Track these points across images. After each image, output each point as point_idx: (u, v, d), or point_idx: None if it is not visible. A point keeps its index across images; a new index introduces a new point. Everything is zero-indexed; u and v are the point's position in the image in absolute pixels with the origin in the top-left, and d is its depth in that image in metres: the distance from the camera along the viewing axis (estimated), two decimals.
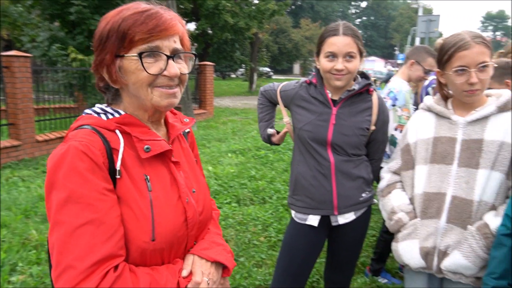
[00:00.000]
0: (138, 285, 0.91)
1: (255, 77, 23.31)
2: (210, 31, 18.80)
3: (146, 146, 1.01)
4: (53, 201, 0.90)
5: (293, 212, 2.06)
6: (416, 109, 3.09)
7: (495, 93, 1.69)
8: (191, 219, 1.08)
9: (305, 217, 1.99)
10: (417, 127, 1.80)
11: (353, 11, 68.90)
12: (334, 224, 1.97)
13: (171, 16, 1.00)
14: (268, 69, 34.78)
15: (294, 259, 2.03)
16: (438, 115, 1.74)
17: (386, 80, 16.32)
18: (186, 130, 1.24)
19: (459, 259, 1.58)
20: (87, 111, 1.06)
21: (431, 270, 1.68)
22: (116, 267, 0.90)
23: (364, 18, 67.72)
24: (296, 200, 2.02)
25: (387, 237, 3.08)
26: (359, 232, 2.04)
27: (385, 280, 3.15)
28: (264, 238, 3.78)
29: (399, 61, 30.15)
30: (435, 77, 3.04)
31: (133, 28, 0.95)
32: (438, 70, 1.70)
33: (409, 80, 3.02)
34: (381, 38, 64.46)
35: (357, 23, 67.18)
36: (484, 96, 1.69)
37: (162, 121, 1.14)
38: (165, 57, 0.99)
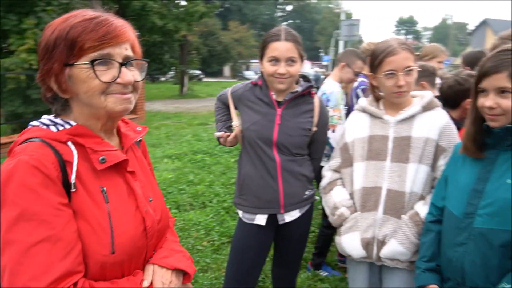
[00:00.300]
0: None
1: (186, 80, 22.99)
2: (137, 33, 18.14)
3: (101, 157, 0.98)
4: (2, 220, 0.84)
5: (240, 213, 2.10)
6: (348, 109, 3.31)
7: (420, 94, 1.87)
8: (150, 228, 1.07)
9: (252, 216, 2.03)
10: (353, 127, 1.94)
11: (280, 14, 70.87)
12: (281, 222, 2.04)
13: (121, 23, 0.99)
14: (198, 72, 34.52)
15: (245, 260, 2.06)
16: (372, 115, 1.88)
17: (314, 81, 16.99)
18: (138, 139, 1.22)
19: (396, 246, 1.73)
20: (34, 123, 1.00)
21: (371, 259, 1.81)
22: (75, 284, 0.87)
23: (290, 21, 69.92)
24: (244, 200, 2.06)
25: (327, 231, 3.24)
26: (303, 229, 2.13)
27: (326, 273, 3.31)
28: (207, 243, 3.77)
29: (324, 63, 31.63)
30: (364, 79, 3.30)
31: (82, 35, 0.92)
32: (371, 74, 1.84)
33: (341, 82, 3.21)
34: (307, 41, 67.08)
35: (284, 26, 69.11)
36: (410, 97, 1.85)
37: (115, 130, 1.12)
38: (117, 65, 0.97)
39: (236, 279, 2.08)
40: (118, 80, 0.97)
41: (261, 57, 2.00)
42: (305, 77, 2.12)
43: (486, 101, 1.37)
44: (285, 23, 69.83)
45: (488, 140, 1.43)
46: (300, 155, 2.03)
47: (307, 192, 2.06)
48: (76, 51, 0.93)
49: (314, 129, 2.05)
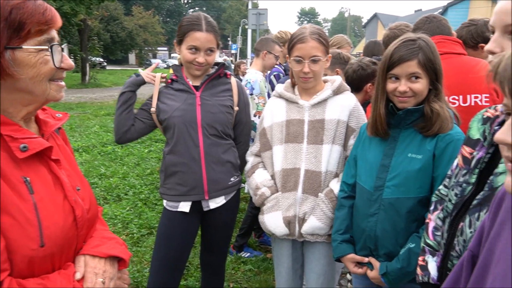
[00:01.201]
0: None
1: (88, 68, 21.41)
2: None
3: (22, 145, 0.91)
4: None
5: (164, 202, 2.10)
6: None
7: (330, 79, 2.02)
8: (80, 218, 1.03)
9: (176, 204, 2.04)
10: (271, 112, 2.03)
11: (185, 0, 69.38)
12: (206, 209, 2.07)
13: (52, 7, 0.94)
14: (101, 59, 32.38)
15: (171, 248, 2.06)
16: (288, 100, 1.99)
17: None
18: (58, 127, 1.15)
19: (314, 222, 1.87)
20: None
21: (293, 236, 1.94)
22: (0, 283, 0.81)
23: (197, 8, 68.90)
24: (167, 189, 2.06)
25: (254, 212, 3.34)
26: (229, 215, 2.18)
27: (248, 254, 3.43)
28: (126, 236, 3.66)
29: (233, 51, 31.88)
30: (277, 65, 3.46)
31: (31, 18, 0.87)
32: (288, 57, 1.95)
33: (265, 69, 3.37)
34: None
35: (190, 13, 67.99)
36: (323, 82, 2.00)
37: (33, 118, 1.05)
38: (60, 49, 0.94)
39: (163, 267, 2.07)
40: (63, 65, 0.95)
41: (179, 42, 2.01)
42: (217, 63, 2.17)
43: (400, 87, 1.54)
44: (191, 10, 68.60)
45: (392, 121, 1.62)
46: (226, 137, 2.08)
47: (232, 179, 2.11)
48: (23, 34, 0.87)
49: (236, 108, 2.12)
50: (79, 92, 17.17)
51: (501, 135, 0.64)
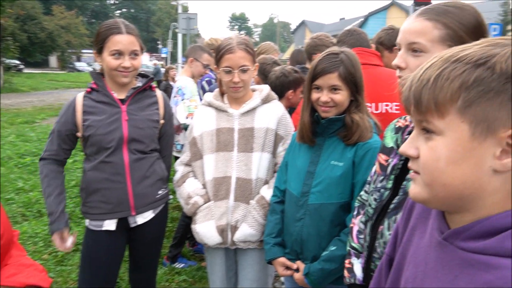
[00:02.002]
0: None
1: (1, 71, 19.64)
2: None
3: None
4: None
5: (87, 221, 1.99)
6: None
7: (258, 88, 2.07)
8: None
9: (100, 223, 1.94)
10: (201, 121, 2.03)
11: (112, 1, 66.58)
12: (133, 225, 2.00)
13: None
14: (17, 62, 29.88)
15: (98, 269, 1.97)
16: (218, 109, 2.00)
17: (155, 74, 16.69)
18: None
19: (246, 229, 1.90)
20: None
21: (226, 244, 1.95)
22: None
23: (124, 10, 66.44)
24: (90, 207, 1.96)
25: (187, 221, 3.28)
26: (158, 230, 2.13)
27: (182, 265, 3.37)
28: (49, 255, 3.40)
29: (163, 55, 31.19)
30: (209, 72, 3.47)
31: None
32: (215, 67, 1.96)
33: (193, 76, 3.37)
34: (143, 32, 64.87)
35: (117, 14, 65.39)
36: (251, 91, 2.04)
37: None
38: None
39: None
40: None
41: (99, 51, 1.91)
42: (141, 74, 2.12)
43: (322, 97, 1.62)
44: (118, 11, 66.01)
45: (317, 129, 1.70)
46: (152, 151, 2.02)
47: (160, 192, 2.06)
48: None
49: (162, 121, 2.08)
50: None
51: (403, 147, 0.70)
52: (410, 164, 0.70)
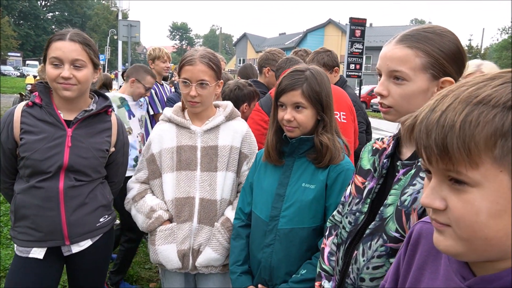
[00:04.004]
0: None
1: None
2: None
3: None
4: None
5: (15, 246, 1.77)
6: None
7: (222, 105, 2.00)
8: None
9: (28, 249, 1.73)
10: (160, 138, 1.90)
11: (43, 3, 62.57)
12: (66, 254, 1.80)
13: None
14: None
15: None
16: (179, 125, 1.89)
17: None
18: None
19: (210, 253, 1.80)
20: None
21: (186, 269, 1.83)
22: None
23: (57, 13, 62.75)
24: (18, 232, 1.74)
25: (128, 246, 3.08)
26: (101, 255, 1.92)
27: None
28: None
29: (101, 62, 29.86)
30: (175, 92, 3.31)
31: None
32: (178, 76, 1.86)
33: (132, 96, 3.16)
34: None
35: (49, 17, 61.61)
36: (214, 107, 1.96)
37: None
38: None
39: None
40: None
41: (44, 61, 1.73)
42: (99, 93, 1.94)
43: (285, 115, 1.56)
44: (51, 14, 62.27)
45: (285, 149, 1.64)
46: (95, 179, 1.82)
47: (102, 219, 1.86)
48: None
49: (112, 149, 1.89)
50: None
51: (426, 200, 0.65)
52: (434, 216, 0.65)
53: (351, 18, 15.05)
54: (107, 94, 2.97)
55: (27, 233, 1.72)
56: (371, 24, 40.83)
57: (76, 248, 1.79)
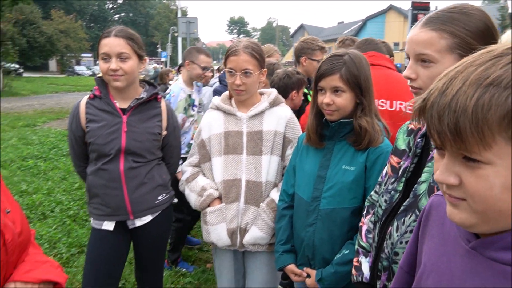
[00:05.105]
0: None
1: (1, 75, 19.64)
2: None
3: None
4: None
5: (92, 219, 2.05)
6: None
7: (266, 92, 2.09)
8: (10, 242, 0.98)
9: (101, 222, 2.00)
10: (209, 124, 2.04)
11: (111, 6, 66.61)
12: (131, 227, 2.03)
13: None
14: (17, 66, 29.85)
15: (100, 266, 2.01)
16: (226, 112, 2.02)
17: (154, 78, 16.68)
18: None
19: (256, 232, 1.91)
20: None
21: (235, 246, 1.96)
22: None
23: (123, 14, 66.49)
24: (93, 208, 2.02)
25: (176, 225, 3.29)
26: (158, 231, 2.13)
27: (184, 269, 3.37)
28: (54, 257, 3.40)
29: (163, 59, 31.24)
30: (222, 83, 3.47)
31: None
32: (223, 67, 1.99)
33: (191, 80, 3.32)
34: (143, 36, 63.71)
35: (116, 18, 65.46)
36: (259, 94, 2.06)
37: None
38: None
39: (95, 286, 1.99)
40: None
41: (98, 57, 1.95)
42: (149, 83, 2.13)
43: (324, 99, 1.62)
44: (117, 15, 66.04)
45: (326, 132, 1.70)
46: (151, 160, 2.03)
47: (160, 197, 2.07)
48: None
49: (164, 133, 2.08)
50: None
51: (440, 177, 0.66)
52: (448, 191, 0.66)
53: (413, 3, 14.40)
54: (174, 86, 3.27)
55: (99, 208, 1.99)
56: (436, 7, 38.48)
57: (138, 222, 2.02)
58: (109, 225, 1.99)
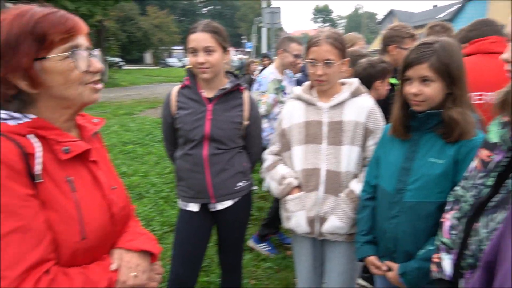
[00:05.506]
0: (72, 285, 0.93)
1: (105, 68, 21.78)
2: None
3: (65, 148, 1.00)
4: None
5: (179, 200, 2.23)
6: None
7: (348, 82, 2.07)
8: (116, 215, 1.12)
9: (186, 204, 2.17)
10: (290, 114, 2.08)
11: (199, 0, 69.58)
12: (212, 210, 2.16)
13: (75, 16, 1.03)
14: (118, 59, 32.83)
15: (186, 243, 2.18)
16: (307, 102, 2.04)
17: (240, 68, 17.17)
18: (95, 131, 1.24)
19: (335, 221, 1.92)
20: None
21: (314, 234, 1.99)
22: (48, 271, 0.91)
23: (211, 7, 69.04)
24: (180, 190, 2.20)
25: (276, 205, 3.39)
26: (240, 215, 2.24)
27: (268, 248, 3.49)
28: None
29: (248, 49, 31.91)
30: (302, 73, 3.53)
31: (52, 29, 0.95)
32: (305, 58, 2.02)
33: (282, 67, 3.46)
34: (229, 27, 66.80)
35: (205, 12, 68.21)
36: (340, 84, 2.05)
37: (74, 123, 1.14)
38: (86, 54, 1.01)
39: (181, 261, 2.18)
40: (91, 69, 1.02)
41: (187, 51, 2.09)
42: (233, 74, 2.24)
43: (411, 88, 1.56)
44: (205, 9, 68.74)
45: (413, 123, 1.64)
46: (232, 148, 2.14)
47: (239, 184, 2.17)
48: (46, 45, 0.95)
49: (246, 122, 2.17)
50: None
51: None
52: None
53: None
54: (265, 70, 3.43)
55: (185, 191, 2.16)
56: None
57: (219, 206, 2.15)
58: (194, 207, 2.14)
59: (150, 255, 1.19)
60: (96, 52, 1.06)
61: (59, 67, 0.97)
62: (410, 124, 1.65)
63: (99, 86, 1.07)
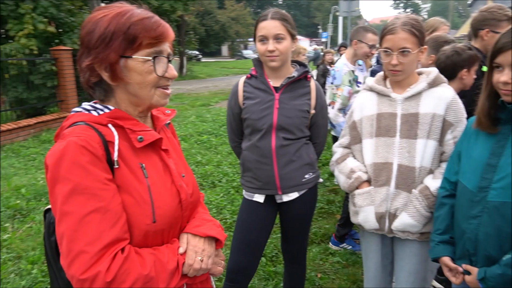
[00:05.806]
0: (144, 264, 1.00)
1: (185, 61, 22.85)
2: None
3: (139, 137, 1.08)
4: (58, 194, 0.95)
5: (244, 191, 2.25)
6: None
7: (426, 71, 1.93)
8: (185, 201, 1.17)
9: (252, 194, 2.17)
10: (361, 106, 2.00)
11: None
12: (278, 201, 2.15)
13: (167, 24, 1.10)
14: (197, 52, 34.25)
15: (248, 232, 2.19)
16: (379, 93, 1.94)
17: (314, 59, 16.93)
18: (167, 122, 1.32)
19: (406, 219, 1.82)
20: (76, 109, 1.12)
21: (383, 231, 1.91)
22: (122, 250, 0.98)
23: None
24: (245, 181, 2.20)
25: (346, 203, 3.35)
26: (305, 207, 2.21)
27: (350, 246, 3.43)
28: (220, 221, 3.89)
29: (323, 39, 31.27)
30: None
31: (144, 33, 1.03)
32: (379, 47, 1.91)
33: (355, 58, 3.37)
34: (304, 17, 66.04)
35: (281, 2, 68.11)
36: (417, 74, 1.92)
37: (149, 114, 1.22)
38: (166, 60, 1.09)
39: (241, 249, 2.20)
40: (167, 75, 1.09)
41: (255, 40, 2.08)
42: (299, 63, 2.19)
43: (502, 77, 1.41)
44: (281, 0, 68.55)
45: (502, 115, 1.47)
46: (299, 138, 2.11)
47: (307, 176, 2.13)
48: (135, 46, 1.03)
49: (313, 111, 2.13)
50: (177, 84, 18.39)
51: None
52: None
53: None
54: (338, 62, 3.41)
55: (251, 182, 2.18)
56: None
57: (285, 198, 2.14)
58: (259, 198, 2.16)
59: (216, 241, 1.23)
60: (173, 60, 1.14)
61: (139, 68, 1.05)
62: (498, 116, 1.49)
63: (169, 91, 1.13)
